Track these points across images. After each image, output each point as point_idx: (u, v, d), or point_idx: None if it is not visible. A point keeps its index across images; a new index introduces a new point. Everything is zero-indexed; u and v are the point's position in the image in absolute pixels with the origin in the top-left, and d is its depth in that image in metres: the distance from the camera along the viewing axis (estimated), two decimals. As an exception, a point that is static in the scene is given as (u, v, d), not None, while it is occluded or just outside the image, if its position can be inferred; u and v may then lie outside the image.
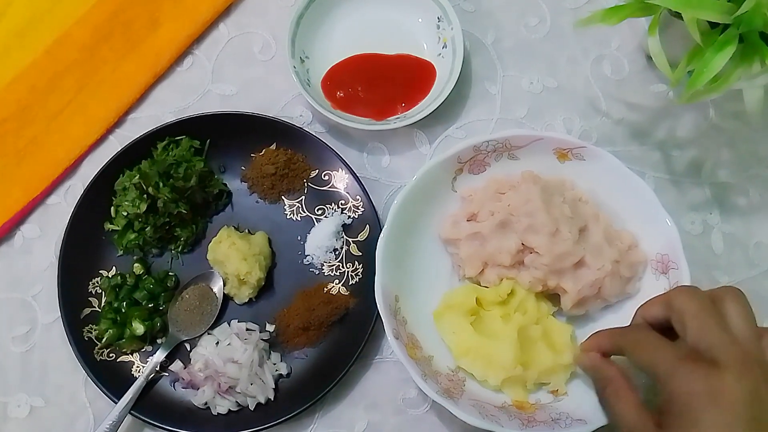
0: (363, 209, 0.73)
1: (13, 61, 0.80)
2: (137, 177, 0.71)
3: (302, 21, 0.79)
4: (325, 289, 0.72)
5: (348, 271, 0.73)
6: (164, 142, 0.75)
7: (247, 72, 0.82)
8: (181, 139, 0.75)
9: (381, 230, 0.68)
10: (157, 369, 0.69)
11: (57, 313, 0.70)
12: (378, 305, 0.65)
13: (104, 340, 0.69)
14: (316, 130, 0.79)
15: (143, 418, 0.67)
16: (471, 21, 0.83)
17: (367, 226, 0.73)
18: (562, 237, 0.67)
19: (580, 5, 0.85)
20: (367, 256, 0.72)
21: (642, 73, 0.82)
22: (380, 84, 0.79)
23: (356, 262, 0.73)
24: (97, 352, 0.70)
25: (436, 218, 0.72)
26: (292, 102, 0.80)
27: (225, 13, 0.84)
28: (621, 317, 0.69)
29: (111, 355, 0.70)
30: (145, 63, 0.80)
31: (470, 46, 0.82)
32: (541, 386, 0.67)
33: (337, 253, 0.74)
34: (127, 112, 0.80)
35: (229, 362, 0.67)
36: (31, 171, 0.76)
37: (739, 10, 0.62)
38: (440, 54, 0.80)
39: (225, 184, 0.77)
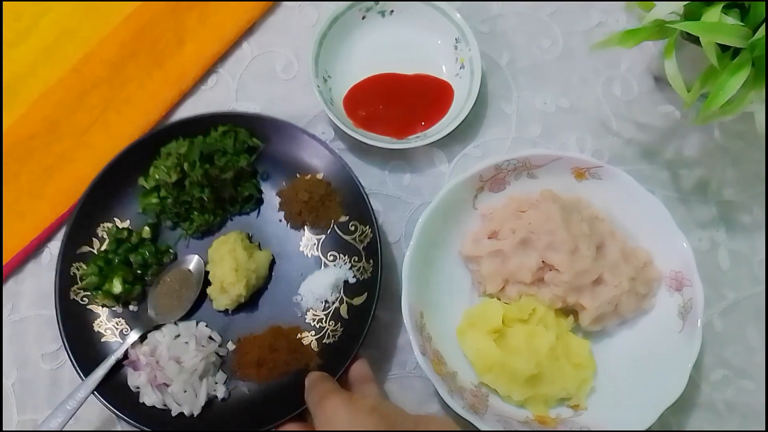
0: (370, 275, 0.66)
1: (40, 78, 0.76)
2: (184, 148, 0.67)
3: (325, 41, 0.75)
4: (299, 335, 0.66)
5: (328, 329, 0.66)
6: (225, 128, 0.70)
7: (270, 90, 0.78)
8: (241, 130, 0.70)
9: (376, 301, 0.64)
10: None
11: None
12: (405, 321, 0.62)
13: (84, 282, 0.66)
14: (338, 147, 0.75)
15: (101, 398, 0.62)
16: (486, 42, 0.80)
17: (366, 293, 0.65)
18: (581, 254, 0.64)
19: (591, 27, 0.82)
20: (353, 322, 0.65)
21: (650, 95, 0.79)
22: (400, 103, 0.76)
23: (340, 324, 0.66)
24: (74, 291, 0.66)
25: (457, 235, 0.69)
26: (314, 120, 0.77)
27: (248, 32, 0.80)
28: (636, 333, 0.67)
29: (84, 299, 0.66)
30: (171, 81, 0.76)
31: (485, 66, 0.79)
32: (562, 401, 0.64)
33: (326, 306, 0.67)
34: (152, 129, 0.76)
35: (173, 360, 0.62)
36: (58, 187, 0.72)
37: (755, 35, 0.60)
38: (458, 74, 0.77)
39: (260, 191, 0.71)
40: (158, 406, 0.63)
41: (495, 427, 0.59)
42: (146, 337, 0.65)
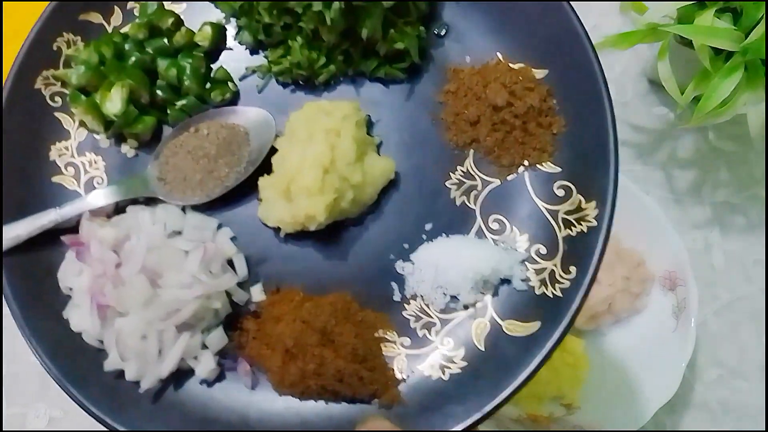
0: (562, 291, 0.36)
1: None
2: None
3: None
4: (380, 335, 0.38)
5: (439, 354, 0.36)
6: None
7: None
8: None
9: (554, 345, 0.36)
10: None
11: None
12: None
13: (66, 69, 0.39)
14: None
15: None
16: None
17: (540, 323, 0.36)
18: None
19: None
20: (491, 361, 0.37)
21: (645, 97, 0.80)
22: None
23: (464, 354, 0.36)
24: (44, 76, 0.40)
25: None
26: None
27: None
28: (630, 332, 0.67)
29: (55, 98, 0.40)
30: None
31: (482, 68, 0.79)
32: (555, 399, 0.64)
33: (452, 306, 0.38)
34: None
35: (146, 276, 0.34)
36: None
37: (747, 39, 0.60)
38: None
39: (424, 54, 0.40)
40: (88, 341, 0.36)
41: (488, 424, 0.58)
42: (124, 212, 0.38)
